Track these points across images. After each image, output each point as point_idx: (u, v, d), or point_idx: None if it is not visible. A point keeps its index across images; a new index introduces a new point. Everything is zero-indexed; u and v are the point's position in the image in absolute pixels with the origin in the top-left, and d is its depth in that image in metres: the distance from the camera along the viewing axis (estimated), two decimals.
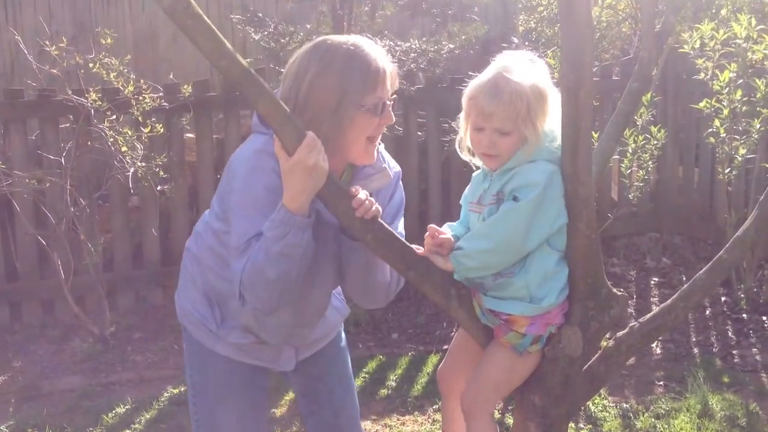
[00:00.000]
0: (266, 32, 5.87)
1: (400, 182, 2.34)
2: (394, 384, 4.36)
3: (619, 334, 2.27)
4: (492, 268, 2.11)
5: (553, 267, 2.11)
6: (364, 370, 4.49)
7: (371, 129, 2.14)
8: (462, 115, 2.20)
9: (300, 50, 2.20)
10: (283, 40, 5.84)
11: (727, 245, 2.25)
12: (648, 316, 2.28)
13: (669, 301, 2.27)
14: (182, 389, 4.32)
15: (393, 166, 2.31)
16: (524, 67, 2.12)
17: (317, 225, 2.11)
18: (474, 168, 2.29)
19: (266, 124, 2.11)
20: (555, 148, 2.11)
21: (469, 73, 2.20)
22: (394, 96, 2.19)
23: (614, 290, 2.20)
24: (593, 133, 2.97)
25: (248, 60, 1.99)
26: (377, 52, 2.15)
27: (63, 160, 4.81)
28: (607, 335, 2.27)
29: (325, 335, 2.50)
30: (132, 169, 4.72)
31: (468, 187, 2.29)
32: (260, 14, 6.19)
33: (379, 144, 2.23)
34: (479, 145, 2.14)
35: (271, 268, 2.01)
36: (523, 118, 2.07)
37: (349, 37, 2.19)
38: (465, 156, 2.25)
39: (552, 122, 2.12)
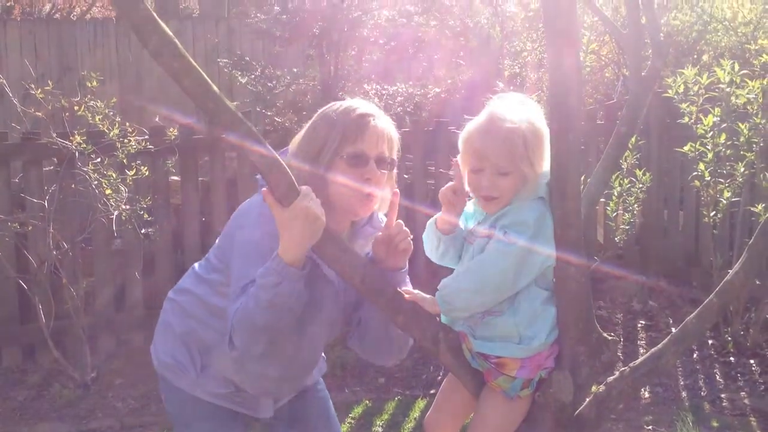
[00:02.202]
0: (253, 75, 5.89)
1: None
2: (380, 429, 4.30)
3: (610, 379, 2.24)
4: (479, 309, 2.09)
5: (540, 305, 2.10)
6: (350, 415, 4.43)
7: (356, 182, 2.14)
8: (459, 159, 2.19)
9: None
10: (270, 84, 5.87)
11: (717, 289, 2.24)
12: (638, 361, 2.25)
13: (660, 346, 2.24)
14: None
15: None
16: (518, 108, 2.13)
17: (315, 280, 2.11)
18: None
19: None
20: (547, 188, 2.11)
21: (463, 116, 2.20)
22: (391, 159, 2.20)
23: (605, 334, 2.18)
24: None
25: (235, 103, 1.97)
26: (373, 111, 2.19)
27: (46, 203, 4.77)
28: (598, 380, 2.24)
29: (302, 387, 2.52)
30: (116, 212, 4.68)
31: (462, 216, 2.24)
32: (247, 58, 6.22)
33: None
34: (478, 187, 2.12)
35: (260, 315, 1.99)
36: (520, 156, 2.07)
37: (355, 101, 2.25)
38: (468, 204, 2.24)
39: (546, 160, 2.12)
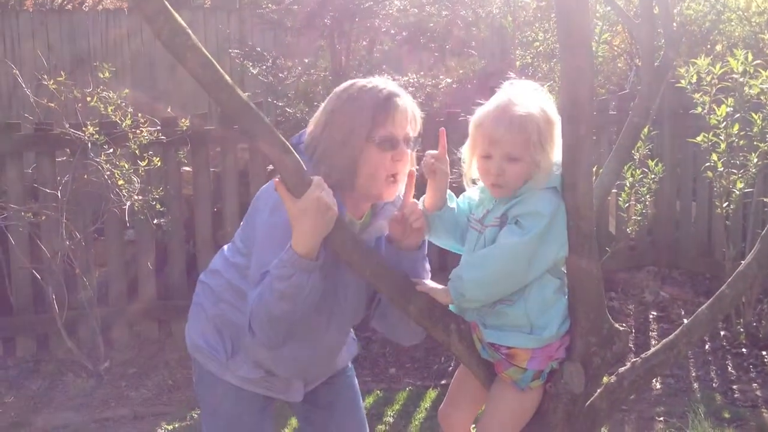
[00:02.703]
0: (264, 66, 5.89)
1: None
2: (391, 420, 4.31)
3: (621, 369, 2.24)
4: (491, 299, 2.09)
5: (552, 294, 2.09)
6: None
7: (384, 165, 2.12)
8: (467, 145, 2.18)
9: None
10: (281, 75, 5.87)
11: (729, 280, 2.23)
12: (650, 351, 2.25)
13: (671, 337, 2.24)
14: (177, 425, 4.27)
15: None
16: (531, 94, 2.11)
17: (338, 263, 2.11)
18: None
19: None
20: (560, 178, 2.10)
21: (476, 101, 2.19)
22: (418, 138, 2.18)
23: (616, 325, 2.17)
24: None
25: (246, 94, 1.97)
26: (397, 90, 2.15)
27: (59, 194, 4.79)
28: (609, 371, 2.24)
29: (335, 367, 2.53)
30: (128, 203, 4.70)
31: (473, 191, 2.23)
32: (258, 48, 6.22)
33: None
34: (487, 173, 2.10)
35: (275, 306, 2.02)
36: (534, 143, 2.05)
37: (375, 78, 2.21)
38: (469, 188, 2.23)
39: (557, 150, 2.11)
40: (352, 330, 2.53)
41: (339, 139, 2.10)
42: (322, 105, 2.21)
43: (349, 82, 2.22)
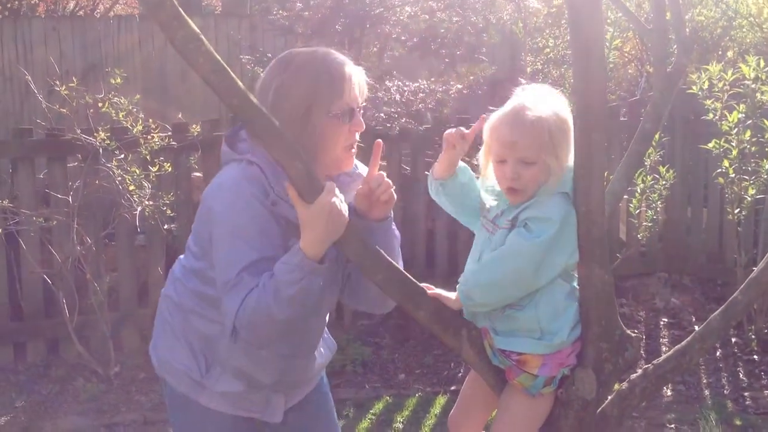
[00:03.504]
0: None
1: None
2: (401, 426, 4.30)
3: (633, 376, 2.23)
4: (500, 303, 2.09)
5: (563, 300, 2.09)
6: (371, 411, 4.44)
7: (342, 137, 2.12)
8: (482, 151, 2.18)
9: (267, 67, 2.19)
10: None
11: (741, 286, 2.22)
12: (662, 358, 2.24)
13: (683, 343, 2.23)
14: None
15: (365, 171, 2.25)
16: (544, 98, 2.12)
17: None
18: (488, 206, 2.26)
19: (239, 151, 2.11)
20: (571, 183, 2.09)
21: (488, 107, 2.19)
22: (364, 104, 2.17)
23: (628, 332, 2.17)
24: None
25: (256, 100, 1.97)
26: (343, 58, 2.13)
27: (70, 199, 4.81)
28: (620, 377, 2.23)
29: (314, 376, 2.42)
30: (139, 208, 4.72)
31: (492, 183, 2.20)
32: (269, 54, 6.24)
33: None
34: (503, 178, 2.10)
35: (281, 310, 1.96)
36: (546, 146, 2.05)
37: (315, 48, 2.18)
38: (484, 195, 2.22)
39: (570, 155, 2.11)
40: (328, 333, 2.46)
41: (297, 115, 2.06)
42: (263, 76, 2.15)
43: (288, 52, 2.17)
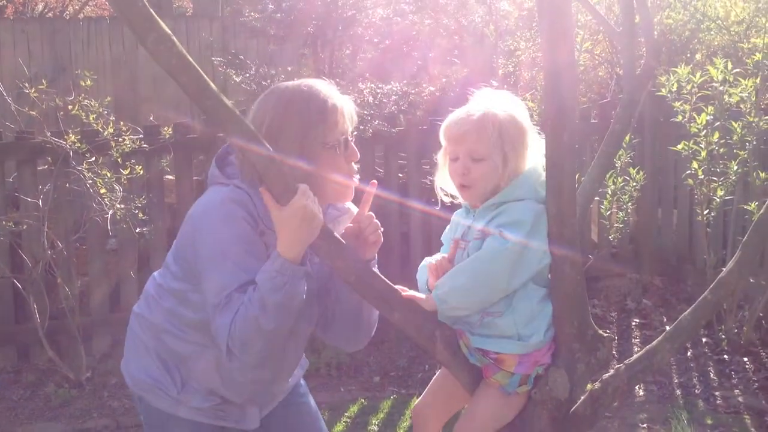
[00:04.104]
0: (247, 74, 5.89)
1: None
2: (376, 428, 4.31)
3: (605, 376, 2.24)
4: (475, 307, 2.10)
5: (538, 304, 2.11)
6: (346, 414, 4.44)
7: (341, 167, 2.13)
8: (440, 153, 2.23)
9: (255, 101, 2.19)
10: (264, 83, 5.86)
11: (711, 286, 2.25)
12: (634, 357, 2.26)
13: (654, 343, 2.25)
14: None
15: (353, 207, 2.28)
16: (498, 98, 2.18)
17: None
18: (440, 202, 2.31)
19: (227, 175, 2.11)
20: (540, 188, 2.12)
21: (449, 108, 2.23)
22: (354, 132, 2.20)
23: (600, 332, 2.18)
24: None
25: (230, 102, 1.97)
26: (331, 90, 2.15)
27: (40, 203, 4.76)
28: (593, 377, 2.25)
29: (286, 391, 2.43)
30: (111, 212, 4.68)
31: (448, 226, 2.29)
32: (241, 56, 6.22)
33: None
34: (455, 174, 2.16)
35: (267, 320, 1.95)
36: (494, 141, 2.10)
37: (303, 80, 2.20)
38: (443, 197, 2.27)
39: (536, 160, 2.13)
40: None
41: (292, 149, 2.06)
42: (253, 112, 2.15)
43: (276, 87, 2.19)
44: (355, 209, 2.26)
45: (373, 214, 2.17)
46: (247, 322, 1.96)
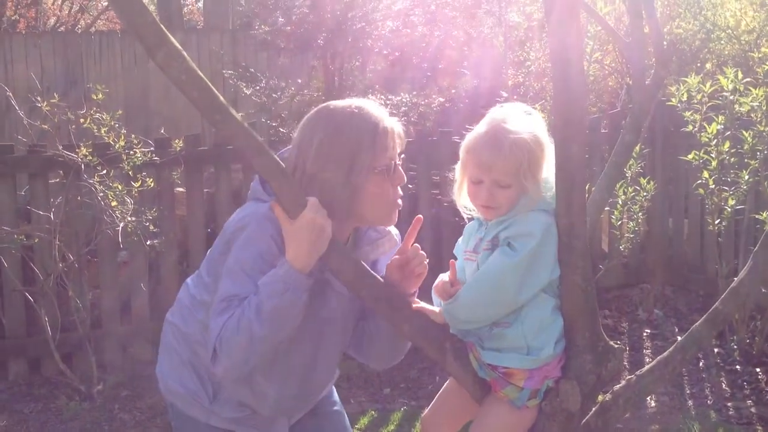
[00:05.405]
0: (258, 87, 5.92)
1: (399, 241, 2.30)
2: None
3: (616, 387, 2.24)
4: (485, 321, 2.09)
5: (549, 315, 2.09)
6: (356, 426, 4.43)
7: (388, 191, 2.12)
8: (458, 167, 2.19)
9: (304, 118, 2.18)
10: (274, 95, 5.89)
11: (722, 296, 2.24)
12: (645, 368, 2.25)
13: (666, 353, 2.24)
14: None
15: (394, 231, 2.28)
16: (521, 119, 2.12)
17: (328, 296, 2.11)
18: (467, 220, 2.28)
19: (269, 192, 2.08)
20: (551, 199, 2.11)
21: (466, 126, 2.20)
22: (402, 155, 2.18)
23: (611, 343, 2.18)
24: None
25: (240, 114, 1.98)
26: (382, 112, 2.13)
27: (52, 216, 4.78)
28: (604, 389, 2.24)
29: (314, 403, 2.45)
30: (122, 224, 4.70)
31: (461, 237, 2.27)
32: (252, 69, 6.25)
33: None
34: (477, 197, 2.12)
35: (260, 326, 1.96)
36: (524, 171, 2.06)
37: (352, 100, 2.17)
38: (461, 207, 2.24)
39: (548, 171, 2.12)
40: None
41: (341, 172, 2.05)
42: (301, 131, 2.14)
43: (325, 107, 2.16)
44: (395, 231, 2.25)
45: (419, 246, 2.16)
46: (240, 325, 1.97)
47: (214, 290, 2.13)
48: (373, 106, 2.14)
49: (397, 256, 2.17)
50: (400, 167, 2.15)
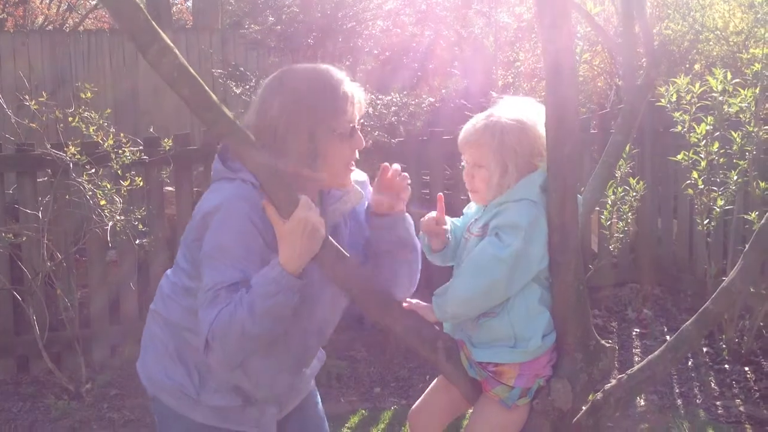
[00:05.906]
0: (247, 86, 5.90)
1: (370, 186, 2.27)
2: None
3: (607, 386, 2.24)
4: (474, 313, 2.11)
5: (536, 304, 2.10)
6: (347, 425, 4.42)
7: (346, 155, 2.12)
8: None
9: (264, 81, 2.18)
10: None
11: (713, 296, 2.25)
12: (636, 368, 2.26)
13: (657, 353, 2.25)
14: None
15: (358, 178, 2.25)
16: (513, 105, 2.18)
17: (305, 270, 2.07)
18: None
19: (232, 169, 2.07)
20: (543, 189, 2.11)
21: (456, 126, 2.25)
22: (362, 121, 2.19)
23: (602, 342, 2.18)
24: None
25: (230, 113, 1.96)
26: (342, 76, 2.13)
27: (40, 214, 4.76)
28: (595, 388, 2.25)
29: (306, 386, 2.44)
30: (110, 223, 4.68)
31: (467, 207, 2.32)
32: (241, 68, 6.23)
33: None
34: (465, 182, 2.23)
35: (254, 324, 1.96)
36: (495, 149, 2.12)
37: (313, 65, 2.18)
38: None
39: (535, 160, 2.14)
40: None
41: (302, 134, 2.05)
42: (261, 94, 2.13)
43: (286, 70, 2.16)
44: (360, 178, 2.25)
45: (398, 166, 2.16)
46: (233, 321, 1.96)
47: (195, 275, 2.11)
48: (334, 70, 2.14)
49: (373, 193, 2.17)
50: (359, 131, 2.15)
